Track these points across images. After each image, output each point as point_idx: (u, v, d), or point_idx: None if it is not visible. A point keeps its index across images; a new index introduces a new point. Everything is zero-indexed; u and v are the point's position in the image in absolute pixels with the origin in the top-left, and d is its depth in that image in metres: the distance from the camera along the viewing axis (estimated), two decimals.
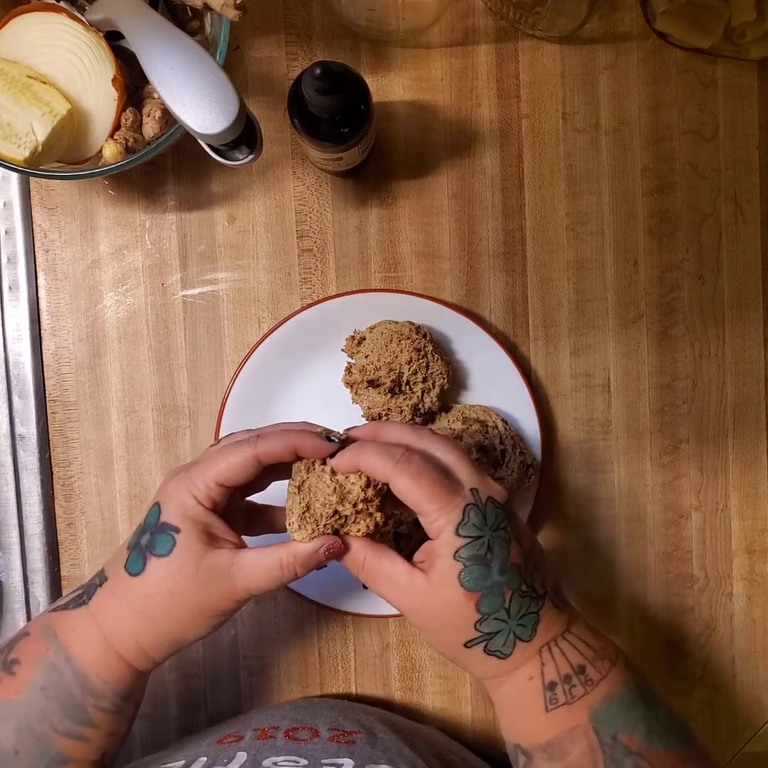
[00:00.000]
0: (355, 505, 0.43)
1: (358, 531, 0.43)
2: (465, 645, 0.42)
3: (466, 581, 0.40)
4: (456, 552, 0.40)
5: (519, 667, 0.43)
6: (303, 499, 0.43)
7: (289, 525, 0.44)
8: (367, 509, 0.43)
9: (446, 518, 0.40)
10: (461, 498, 0.41)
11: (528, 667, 0.42)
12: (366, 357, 0.59)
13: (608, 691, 0.43)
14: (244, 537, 0.46)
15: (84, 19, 0.54)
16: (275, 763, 0.46)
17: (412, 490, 0.40)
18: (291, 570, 0.42)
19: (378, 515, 0.43)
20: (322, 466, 0.44)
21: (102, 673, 0.44)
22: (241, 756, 0.47)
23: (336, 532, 0.44)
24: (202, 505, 0.43)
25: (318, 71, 0.45)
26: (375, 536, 0.44)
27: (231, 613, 0.44)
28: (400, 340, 0.58)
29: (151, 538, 0.43)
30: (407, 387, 0.59)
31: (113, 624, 0.44)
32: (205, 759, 0.47)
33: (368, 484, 0.43)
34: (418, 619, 0.43)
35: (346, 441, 0.45)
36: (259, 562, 0.42)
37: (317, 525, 0.43)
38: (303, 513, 0.43)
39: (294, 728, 0.52)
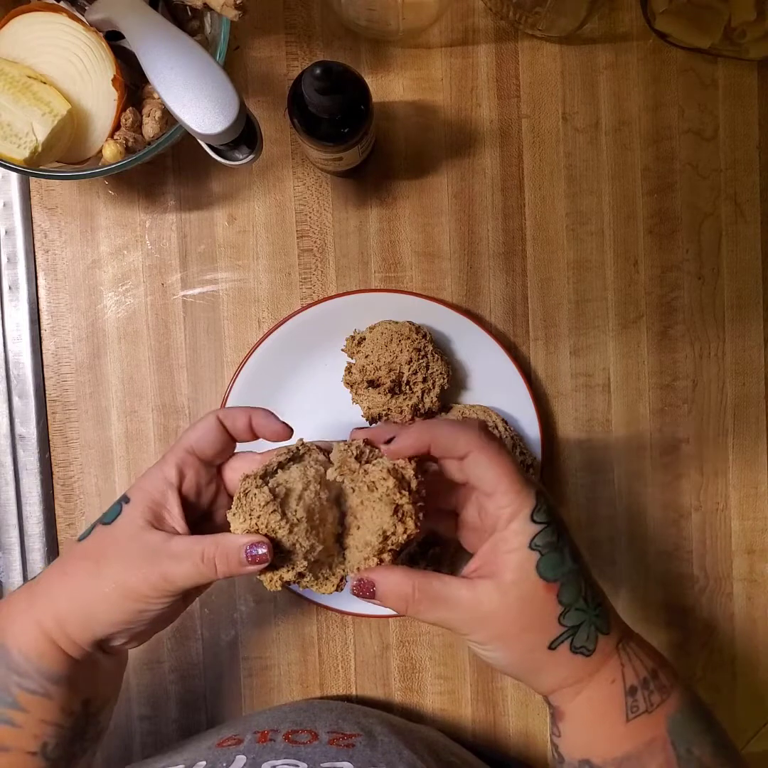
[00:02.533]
0: (412, 492, 0.39)
1: (405, 531, 0.39)
2: (549, 647, 0.39)
3: (545, 570, 0.38)
4: (532, 540, 0.38)
5: (600, 668, 0.40)
6: (245, 480, 0.41)
7: (229, 511, 0.41)
8: (414, 502, 0.39)
9: (521, 503, 0.38)
10: (532, 484, 0.39)
11: (609, 669, 0.40)
12: (366, 357, 0.59)
13: (680, 700, 0.40)
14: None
15: (84, 19, 0.54)
16: (274, 767, 0.46)
17: (492, 470, 0.38)
18: (210, 565, 0.39)
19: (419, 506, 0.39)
20: (316, 453, 0.43)
21: (23, 646, 0.42)
22: (240, 759, 0.47)
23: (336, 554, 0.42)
24: (165, 481, 0.41)
25: (318, 71, 0.45)
26: (411, 544, 0.41)
27: (149, 601, 0.40)
28: (400, 340, 0.58)
29: (109, 508, 0.43)
30: (407, 387, 0.59)
31: (40, 589, 0.43)
32: (203, 763, 0.47)
33: (398, 476, 0.40)
34: (491, 632, 0.39)
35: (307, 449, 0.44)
36: (184, 548, 0.39)
37: (251, 514, 0.39)
38: (239, 497, 0.40)
39: (293, 731, 0.52)
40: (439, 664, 0.65)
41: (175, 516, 0.41)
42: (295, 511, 0.40)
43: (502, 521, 0.38)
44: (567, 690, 0.40)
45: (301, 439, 0.45)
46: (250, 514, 0.39)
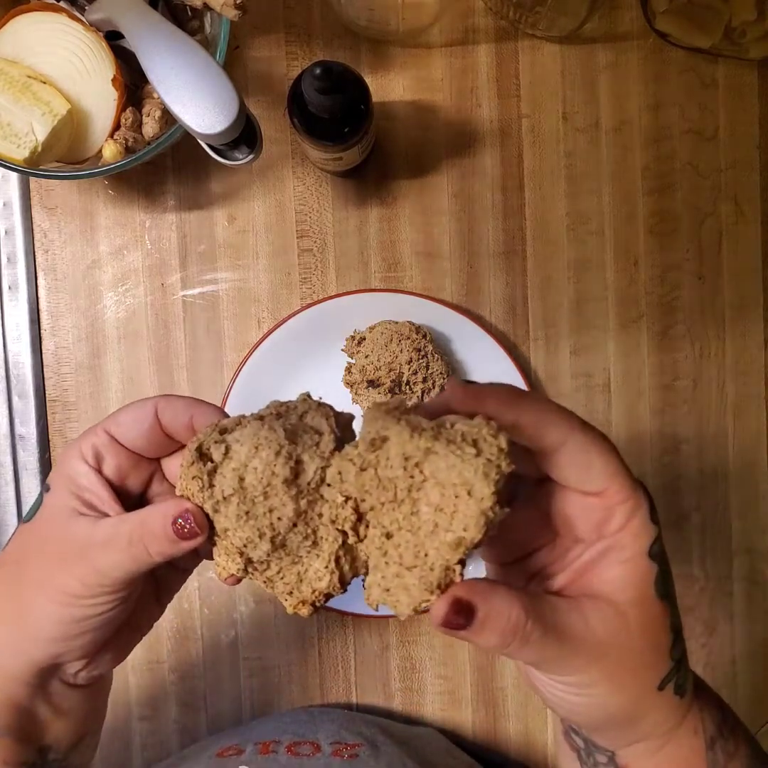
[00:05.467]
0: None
1: (500, 517, 0.26)
2: (659, 686, 0.30)
3: (661, 588, 0.29)
4: (651, 546, 0.29)
5: (686, 716, 0.32)
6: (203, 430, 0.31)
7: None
8: (498, 459, 0.26)
9: (638, 500, 0.29)
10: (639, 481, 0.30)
11: (692, 716, 0.32)
12: (366, 357, 0.59)
13: (748, 748, 0.34)
14: None
15: (84, 19, 0.54)
16: None
17: (602, 461, 0.29)
18: (140, 547, 0.31)
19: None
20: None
21: None
22: None
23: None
24: (84, 461, 0.33)
25: (318, 71, 0.45)
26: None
27: (85, 603, 0.32)
28: (400, 340, 0.58)
29: (33, 502, 0.35)
30: (407, 387, 0.59)
31: None
32: None
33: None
34: (602, 670, 0.29)
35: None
36: (110, 531, 0.31)
37: (182, 475, 0.30)
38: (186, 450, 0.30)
39: (295, 743, 0.52)
40: (439, 664, 0.65)
41: (104, 498, 0.33)
42: (224, 484, 0.29)
43: (614, 523, 0.29)
44: (650, 743, 0.32)
45: (307, 394, 0.33)
46: (181, 475, 0.30)
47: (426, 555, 0.27)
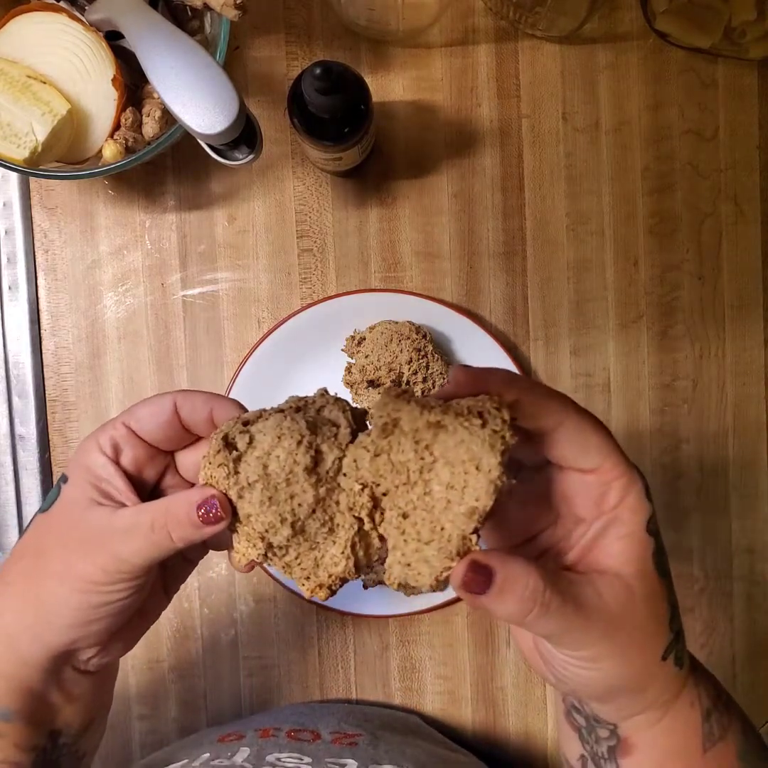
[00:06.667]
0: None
1: (502, 490, 0.28)
2: (662, 657, 0.31)
3: (659, 562, 0.30)
4: (648, 522, 0.30)
5: (684, 688, 0.33)
6: (227, 422, 0.32)
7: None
8: (501, 430, 0.28)
9: (633, 477, 0.30)
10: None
11: (689, 689, 0.33)
12: (366, 357, 0.59)
13: (740, 720, 0.35)
14: None
15: (84, 19, 0.54)
16: (279, 759, 0.45)
17: (597, 440, 0.30)
18: (163, 533, 0.32)
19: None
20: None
21: None
22: (245, 750, 0.47)
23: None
24: (102, 453, 0.34)
25: (318, 71, 0.45)
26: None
27: (104, 589, 0.33)
28: (400, 340, 0.58)
29: (50, 493, 0.36)
30: (407, 387, 0.59)
31: None
32: (207, 755, 0.47)
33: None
34: (612, 643, 0.30)
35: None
36: (131, 520, 0.33)
37: (207, 464, 0.31)
38: (210, 440, 0.32)
39: (296, 729, 0.52)
40: (439, 664, 0.65)
41: (121, 489, 0.34)
42: (249, 471, 0.31)
43: (612, 498, 0.30)
44: (650, 715, 0.32)
45: (324, 389, 0.35)
46: (206, 464, 0.32)
47: (442, 528, 0.28)
